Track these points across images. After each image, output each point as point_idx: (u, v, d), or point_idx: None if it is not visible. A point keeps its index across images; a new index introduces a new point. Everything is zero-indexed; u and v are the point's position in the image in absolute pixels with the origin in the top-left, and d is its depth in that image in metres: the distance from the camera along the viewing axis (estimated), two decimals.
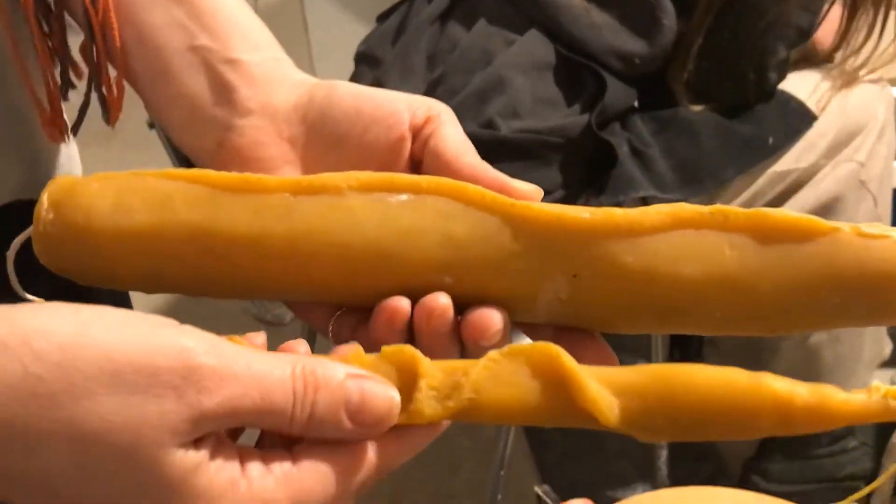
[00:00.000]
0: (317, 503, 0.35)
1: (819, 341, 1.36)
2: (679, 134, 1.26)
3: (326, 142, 0.45)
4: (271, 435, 0.37)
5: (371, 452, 0.36)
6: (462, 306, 0.41)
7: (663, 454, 1.38)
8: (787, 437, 1.41)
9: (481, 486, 1.34)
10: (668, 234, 0.39)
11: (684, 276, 0.39)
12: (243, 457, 0.35)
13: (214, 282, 0.42)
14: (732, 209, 0.40)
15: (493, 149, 1.19)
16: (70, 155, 0.58)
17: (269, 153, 0.46)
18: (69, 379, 0.31)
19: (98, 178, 0.43)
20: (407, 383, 0.37)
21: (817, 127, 1.29)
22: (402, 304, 0.41)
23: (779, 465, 1.45)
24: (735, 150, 1.27)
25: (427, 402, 0.37)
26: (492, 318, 0.41)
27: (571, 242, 0.40)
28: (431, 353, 0.39)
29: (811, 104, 1.30)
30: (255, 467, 0.35)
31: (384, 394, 0.36)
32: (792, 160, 1.29)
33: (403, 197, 0.40)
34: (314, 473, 0.35)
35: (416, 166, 0.45)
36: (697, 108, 1.28)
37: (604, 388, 0.36)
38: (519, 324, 0.44)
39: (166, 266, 0.42)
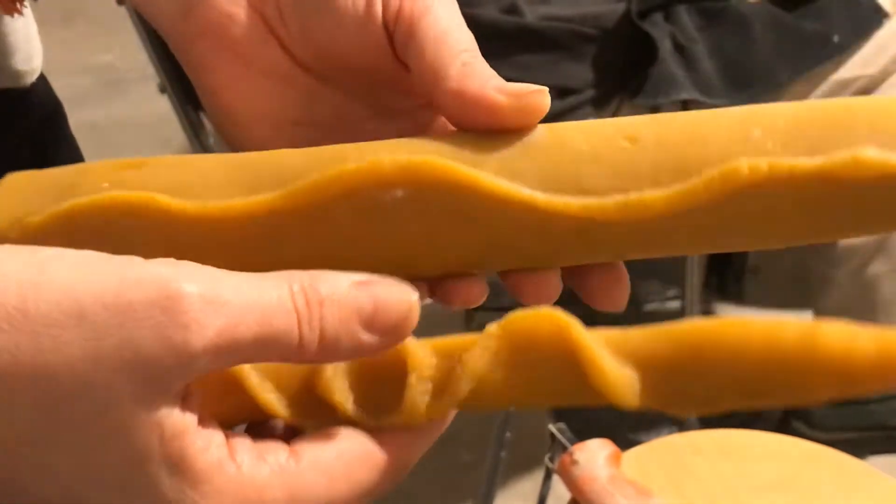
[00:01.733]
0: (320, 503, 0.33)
1: (877, 273, 1.30)
2: (729, 29, 1.20)
3: (306, 8, 0.42)
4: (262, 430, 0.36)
5: (379, 449, 0.34)
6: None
7: None
8: None
9: (488, 423, 1.25)
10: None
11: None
12: (229, 437, 0.32)
13: None
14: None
15: (515, 38, 1.15)
16: (29, 36, 0.56)
17: (241, 32, 0.43)
18: (31, 327, 0.29)
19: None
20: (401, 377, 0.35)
21: (890, 26, 1.22)
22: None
23: (824, 410, 1.41)
24: (792, 48, 1.20)
25: (421, 399, 0.35)
26: (549, 283, 0.38)
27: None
28: None
29: (884, 0, 1.24)
30: (244, 451, 0.32)
31: (398, 293, 0.33)
32: (858, 65, 1.22)
33: (399, 193, 0.36)
34: (316, 469, 0.32)
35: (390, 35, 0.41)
36: None
37: (621, 360, 0.34)
38: None
39: None
